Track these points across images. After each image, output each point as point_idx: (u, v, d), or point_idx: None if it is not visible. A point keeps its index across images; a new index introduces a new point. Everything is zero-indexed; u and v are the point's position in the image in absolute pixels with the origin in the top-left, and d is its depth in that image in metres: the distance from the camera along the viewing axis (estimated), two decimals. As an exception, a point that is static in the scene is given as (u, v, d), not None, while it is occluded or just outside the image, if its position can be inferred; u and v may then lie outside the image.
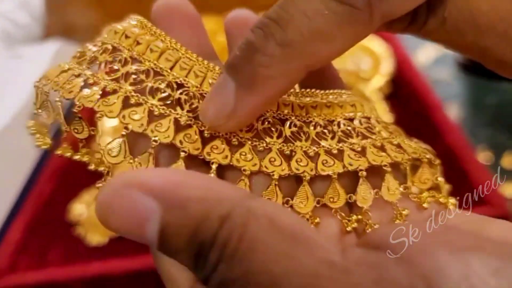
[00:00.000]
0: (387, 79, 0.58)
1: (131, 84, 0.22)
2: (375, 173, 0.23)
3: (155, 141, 0.21)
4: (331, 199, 0.22)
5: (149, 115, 0.22)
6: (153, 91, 0.22)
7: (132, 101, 0.22)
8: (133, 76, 0.22)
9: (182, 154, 0.21)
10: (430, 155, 0.25)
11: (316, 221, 0.22)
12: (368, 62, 0.58)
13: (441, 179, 0.24)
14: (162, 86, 0.22)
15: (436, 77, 0.65)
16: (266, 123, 0.23)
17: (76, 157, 0.23)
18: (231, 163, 0.22)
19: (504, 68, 0.22)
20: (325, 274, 0.16)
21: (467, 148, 0.50)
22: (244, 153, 0.22)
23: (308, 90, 0.25)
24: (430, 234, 0.18)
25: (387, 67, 0.58)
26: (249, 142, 0.22)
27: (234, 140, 0.22)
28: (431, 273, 0.15)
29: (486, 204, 0.44)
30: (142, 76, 0.22)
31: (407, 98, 0.57)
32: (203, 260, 0.17)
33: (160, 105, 0.22)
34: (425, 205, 0.23)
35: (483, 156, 0.62)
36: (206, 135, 0.22)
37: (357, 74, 0.57)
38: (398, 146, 0.24)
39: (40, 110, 0.23)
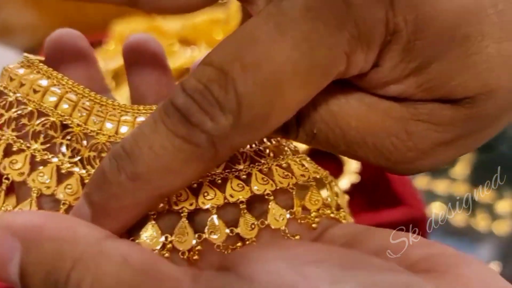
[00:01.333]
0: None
1: (14, 130, 0.22)
2: (259, 201, 0.23)
3: (36, 191, 0.21)
4: (212, 233, 0.22)
5: (31, 162, 0.22)
6: (36, 135, 0.22)
7: (14, 148, 0.22)
8: (15, 121, 0.22)
9: (63, 207, 0.22)
10: (321, 174, 0.24)
11: (194, 258, 0.22)
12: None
13: (331, 199, 0.24)
14: (45, 128, 0.22)
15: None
16: None
17: None
18: None
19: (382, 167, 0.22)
20: None
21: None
22: None
23: None
24: (277, 249, 0.19)
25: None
26: None
27: None
28: None
29: (403, 204, 0.45)
30: (25, 120, 0.22)
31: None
32: None
33: (43, 150, 0.22)
34: (314, 225, 0.23)
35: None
36: (87, 182, 0.22)
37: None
38: (288, 168, 0.24)
39: None
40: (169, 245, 0.21)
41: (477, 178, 0.61)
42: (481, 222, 0.57)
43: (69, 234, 0.18)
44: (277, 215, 0.23)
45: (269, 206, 0.23)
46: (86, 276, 0.17)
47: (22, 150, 0.22)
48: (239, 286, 0.17)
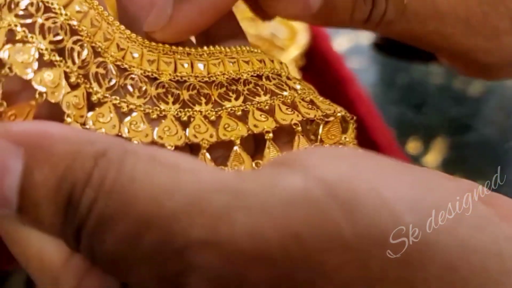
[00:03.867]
0: (302, 51, 0.57)
1: (17, 16, 0.19)
2: (284, 132, 0.22)
3: (41, 94, 0.19)
4: (235, 166, 0.21)
5: (39, 59, 0.19)
6: (45, 31, 0.19)
7: (18, 36, 0.19)
8: (20, 7, 0.19)
9: (68, 120, 0.19)
10: (345, 112, 0.24)
11: None
12: (284, 32, 0.57)
13: (348, 139, 0.24)
14: (55, 26, 0.20)
15: (350, 65, 0.65)
16: (161, 87, 0.21)
17: None
18: (119, 134, 0.20)
19: (459, 58, 0.22)
20: (214, 190, 0.15)
21: (378, 119, 0.50)
22: (135, 122, 0.20)
23: (210, 47, 0.23)
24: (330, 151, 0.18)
25: (303, 39, 0.57)
26: (141, 110, 0.21)
27: (124, 107, 0.20)
28: (331, 177, 0.15)
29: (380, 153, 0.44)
30: (32, 9, 0.19)
31: (320, 70, 0.56)
32: (75, 208, 0.15)
33: (52, 50, 0.19)
34: None
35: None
36: (94, 99, 0.20)
37: (272, 42, 0.56)
38: (311, 102, 0.23)
39: None
40: None
41: (451, 165, 0.60)
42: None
43: (85, 136, 0.16)
44: (301, 148, 0.22)
45: (295, 138, 0.22)
46: (111, 169, 0.15)
47: (27, 42, 0.19)
48: (292, 174, 0.15)
